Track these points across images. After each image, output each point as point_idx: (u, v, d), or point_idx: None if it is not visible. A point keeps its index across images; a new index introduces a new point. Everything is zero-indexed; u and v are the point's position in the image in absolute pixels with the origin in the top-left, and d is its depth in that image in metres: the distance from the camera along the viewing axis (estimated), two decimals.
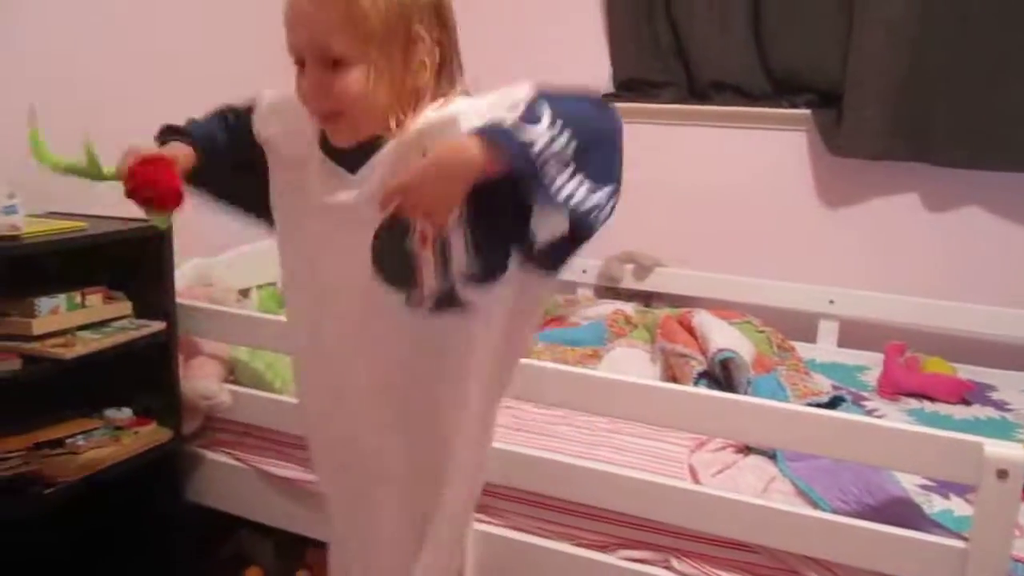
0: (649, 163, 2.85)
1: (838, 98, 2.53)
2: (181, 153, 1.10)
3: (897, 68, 2.44)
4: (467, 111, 1.05)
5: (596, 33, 2.89)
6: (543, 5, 2.96)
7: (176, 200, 1.07)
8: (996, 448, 1.29)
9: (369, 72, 1.00)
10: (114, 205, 1.98)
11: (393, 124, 1.05)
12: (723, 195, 2.78)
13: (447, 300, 1.06)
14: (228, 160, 1.19)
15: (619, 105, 2.85)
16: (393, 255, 1.04)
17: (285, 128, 1.14)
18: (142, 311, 1.85)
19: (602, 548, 1.61)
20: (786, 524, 1.44)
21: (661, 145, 2.84)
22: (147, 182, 1.04)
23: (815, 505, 1.53)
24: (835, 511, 1.50)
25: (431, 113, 1.07)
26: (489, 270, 1.05)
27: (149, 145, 1.12)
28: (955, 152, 2.41)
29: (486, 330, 1.11)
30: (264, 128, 1.17)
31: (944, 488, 1.62)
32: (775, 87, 2.70)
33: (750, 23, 2.68)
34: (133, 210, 1.90)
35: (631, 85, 2.87)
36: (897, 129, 2.46)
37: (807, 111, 2.61)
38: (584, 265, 2.87)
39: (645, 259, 2.80)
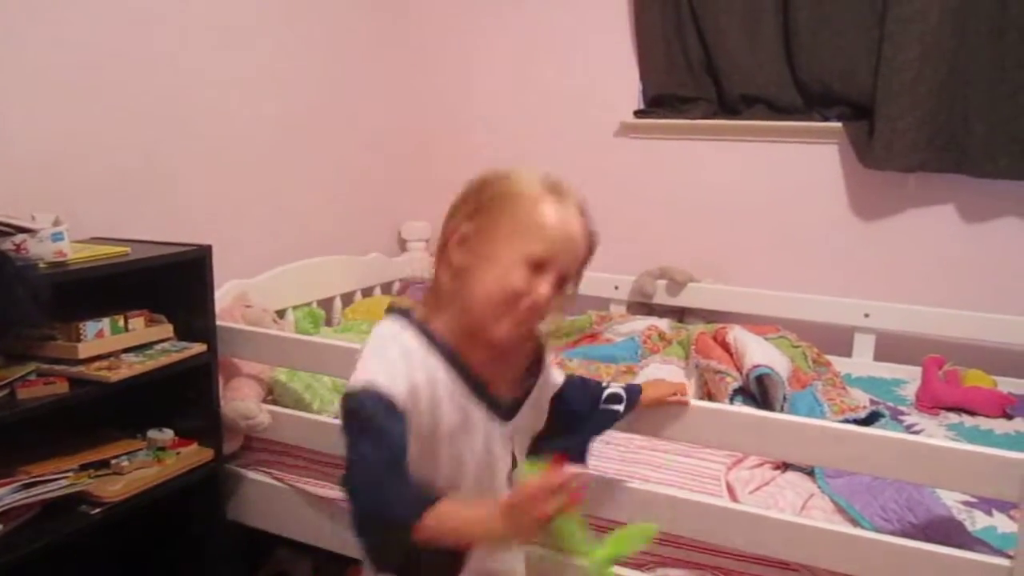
0: (681, 178, 2.87)
1: (870, 110, 2.52)
2: None
3: (931, 79, 2.42)
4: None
5: (626, 50, 2.90)
6: (573, 24, 2.98)
7: None
8: None
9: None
10: (154, 230, 2.05)
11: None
12: (756, 209, 2.77)
13: None
14: None
15: (650, 121, 2.88)
16: None
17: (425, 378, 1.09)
18: (183, 333, 1.88)
19: (640, 567, 1.60)
20: (826, 541, 1.43)
21: (693, 160, 2.85)
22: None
23: (855, 522, 1.52)
24: (876, 529, 1.48)
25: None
26: None
27: None
28: (992, 163, 2.39)
29: None
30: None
31: (987, 504, 1.60)
32: (806, 100, 2.69)
33: (780, 36, 2.68)
34: (173, 234, 1.97)
35: (662, 101, 2.87)
36: (932, 141, 2.44)
37: (839, 124, 2.60)
38: (617, 281, 2.87)
39: (678, 274, 2.80)
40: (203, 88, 2.30)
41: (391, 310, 1.14)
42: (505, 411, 1.17)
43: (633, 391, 1.46)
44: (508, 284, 1.06)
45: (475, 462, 1.14)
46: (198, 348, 1.85)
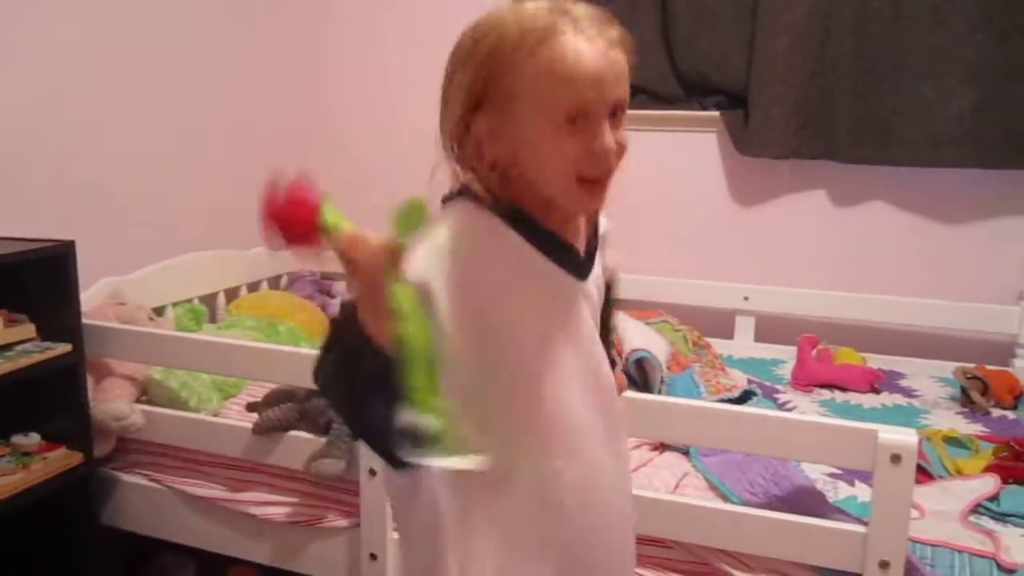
0: None
1: (744, 100, 2.60)
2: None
3: (800, 69, 2.52)
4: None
5: None
6: (462, 16, 2.96)
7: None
8: (889, 434, 1.33)
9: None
10: (12, 225, 1.95)
11: None
12: (638, 197, 2.81)
13: None
14: None
15: None
16: None
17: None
18: (48, 333, 1.81)
19: None
20: (696, 518, 1.47)
21: None
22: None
23: (726, 498, 1.57)
24: (744, 503, 1.54)
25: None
26: None
27: None
28: (857, 149, 2.51)
29: None
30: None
31: (850, 476, 1.67)
32: (685, 90, 2.75)
33: (659, 27, 2.74)
34: (33, 230, 1.88)
35: None
36: (802, 128, 2.54)
37: (716, 113, 2.68)
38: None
39: None
40: (67, 73, 2.19)
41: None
42: (581, 265, 1.02)
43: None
44: (558, 157, 0.92)
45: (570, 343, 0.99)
46: (63, 348, 1.78)
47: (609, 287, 1.13)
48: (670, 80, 2.75)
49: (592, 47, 0.92)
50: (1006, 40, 2.33)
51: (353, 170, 3.19)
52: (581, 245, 1.02)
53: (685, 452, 1.74)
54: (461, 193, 0.97)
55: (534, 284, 0.97)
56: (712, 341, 2.47)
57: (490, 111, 0.94)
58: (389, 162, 3.14)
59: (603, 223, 1.10)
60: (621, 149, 0.94)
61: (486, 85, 0.94)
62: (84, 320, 1.86)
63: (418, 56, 3.05)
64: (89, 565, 1.93)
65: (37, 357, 1.73)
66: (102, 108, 2.31)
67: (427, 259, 0.89)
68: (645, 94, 2.77)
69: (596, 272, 1.05)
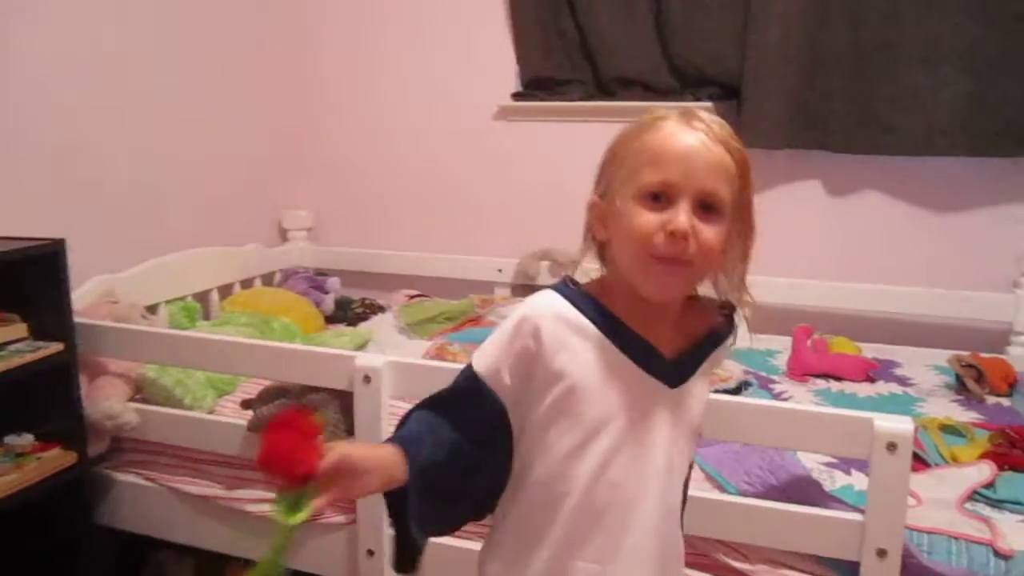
0: (561, 161, 2.89)
1: (738, 91, 2.60)
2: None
3: (794, 60, 2.51)
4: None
5: (502, 32, 2.91)
6: (448, 6, 2.96)
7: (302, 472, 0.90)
8: (885, 423, 1.33)
9: (723, 232, 0.97)
10: (2, 223, 1.94)
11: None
12: None
13: None
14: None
15: (528, 104, 2.89)
16: None
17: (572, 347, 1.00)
18: (40, 333, 1.80)
19: None
20: (693, 509, 1.46)
21: (572, 142, 2.86)
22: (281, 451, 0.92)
23: (723, 489, 1.57)
24: (741, 493, 1.53)
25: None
26: None
27: None
28: (851, 139, 2.50)
29: None
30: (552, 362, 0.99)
31: (846, 464, 1.67)
32: (680, 81, 2.75)
33: (653, 18, 2.73)
34: (23, 228, 1.87)
35: (538, 84, 2.89)
36: (795, 119, 2.54)
37: (710, 104, 2.66)
38: (500, 264, 2.88)
39: (560, 256, 2.82)
40: (57, 69, 2.18)
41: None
42: (669, 370, 1.02)
43: None
44: (634, 230, 0.95)
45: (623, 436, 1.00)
46: (55, 347, 1.77)
47: None
48: (664, 72, 2.75)
49: (691, 133, 0.96)
50: (999, 28, 2.32)
51: (345, 167, 3.19)
52: (669, 349, 1.02)
53: None
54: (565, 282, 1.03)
55: (600, 374, 0.99)
56: None
57: (604, 195, 1.01)
58: (382, 158, 3.14)
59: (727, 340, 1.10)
60: (703, 245, 0.94)
61: (603, 172, 1.02)
62: (76, 319, 1.85)
63: (411, 52, 3.06)
64: (85, 565, 1.92)
65: (29, 357, 1.72)
66: (94, 105, 2.30)
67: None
68: (640, 86, 2.76)
69: (696, 385, 1.06)
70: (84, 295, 2.12)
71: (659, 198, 0.94)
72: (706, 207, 0.95)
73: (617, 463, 0.99)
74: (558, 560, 1.01)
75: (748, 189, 1.00)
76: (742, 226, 1.01)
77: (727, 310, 1.09)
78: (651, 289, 0.98)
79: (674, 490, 1.07)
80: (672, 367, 1.02)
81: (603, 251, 1.03)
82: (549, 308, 1.00)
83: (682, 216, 0.93)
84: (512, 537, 1.06)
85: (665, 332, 1.02)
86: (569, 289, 1.02)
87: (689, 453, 1.10)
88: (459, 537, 1.64)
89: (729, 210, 0.97)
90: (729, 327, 1.10)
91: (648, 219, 0.94)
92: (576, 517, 1.00)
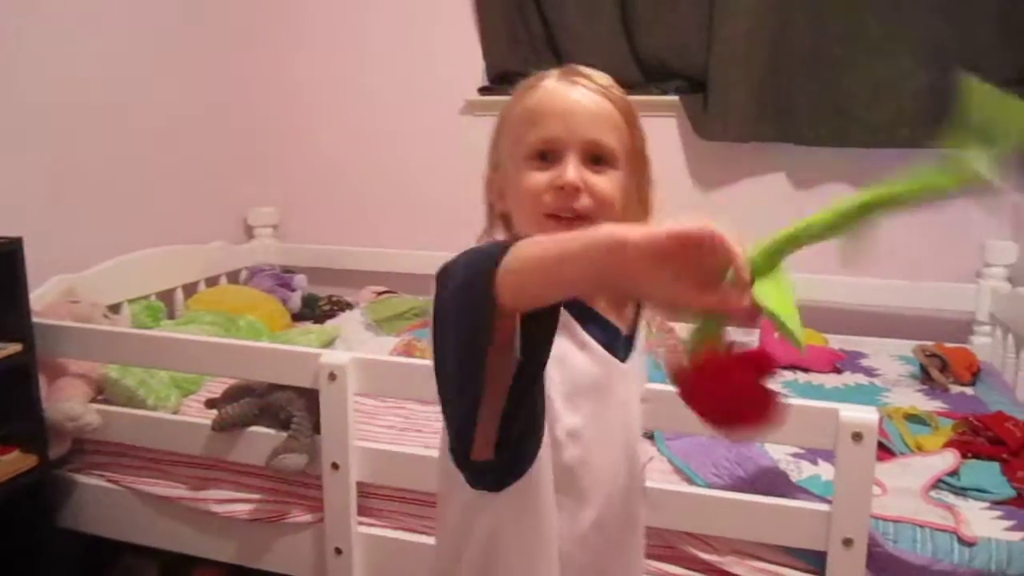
0: None
1: (704, 84, 2.60)
2: None
3: (758, 53, 2.52)
4: None
5: (467, 26, 2.89)
6: (413, 0, 2.94)
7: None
8: (850, 413, 1.35)
9: (617, 181, 0.94)
10: None
11: None
12: None
13: None
14: None
15: (495, 98, 2.87)
16: None
17: None
18: None
19: None
20: (661, 502, 1.47)
21: None
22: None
23: (691, 481, 1.57)
24: (710, 485, 1.54)
25: None
26: None
27: None
28: (814, 132, 2.52)
29: None
30: None
31: (813, 455, 1.68)
32: (645, 75, 2.75)
33: (619, 12, 2.72)
34: None
35: (505, 78, 2.87)
36: (761, 112, 2.54)
37: (676, 98, 2.67)
38: None
39: None
40: (15, 62, 2.14)
41: None
42: (624, 344, 0.97)
43: None
44: (525, 191, 0.92)
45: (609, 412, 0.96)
46: (13, 348, 1.74)
47: None
48: (630, 65, 2.74)
49: (570, 87, 0.94)
50: (960, 21, 2.34)
51: (311, 164, 3.16)
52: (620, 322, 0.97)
53: (650, 436, 1.74)
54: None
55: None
56: (674, 325, 2.47)
57: (498, 167, 0.99)
58: (348, 154, 3.11)
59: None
60: (597, 196, 0.92)
61: (494, 144, 1.00)
62: (35, 319, 1.81)
63: (377, 48, 3.03)
64: (48, 569, 1.89)
65: None
66: (52, 99, 2.25)
67: None
68: None
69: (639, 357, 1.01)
70: (43, 295, 2.08)
71: (546, 156, 0.92)
72: (595, 159, 0.93)
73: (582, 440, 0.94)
74: None
75: (638, 136, 0.98)
76: (639, 176, 0.99)
77: None
78: None
79: (638, 464, 1.05)
80: (625, 341, 0.97)
81: (508, 224, 1.00)
82: None
83: (570, 169, 0.91)
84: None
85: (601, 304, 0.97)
86: None
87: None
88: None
89: (621, 159, 0.95)
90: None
91: (537, 178, 0.92)
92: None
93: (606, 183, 0.92)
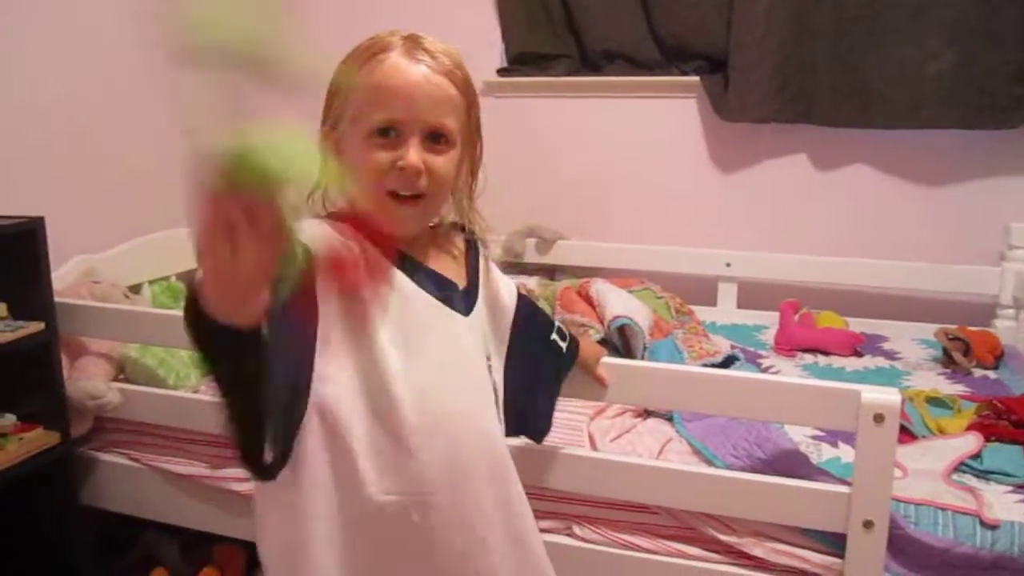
0: (546, 137, 2.87)
1: (724, 64, 2.57)
2: None
3: (779, 32, 2.49)
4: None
5: (487, 8, 2.87)
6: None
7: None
8: (872, 394, 1.33)
9: (454, 160, 1.02)
10: None
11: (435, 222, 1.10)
12: (620, 165, 2.80)
13: None
14: None
15: (514, 79, 2.86)
16: None
17: None
18: (20, 312, 1.78)
19: None
20: (679, 483, 1.47)
21: (557, 118, 2.85)
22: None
23: (709, 463, 1.56)
24: (728, 467, 1.53)
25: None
26: None
27: None
28: (836, 112, 2.49)
29: None
30: None
31: (833, 437, 1.68)
32: (665, 55, 2.72)
33: None
34: (0, 206, 1.84)
35: (524, 59, 2.86)
36: (782, 92, 2.52)
37: (696, 78, 2.65)
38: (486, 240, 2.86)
39: (547, 232, 2.81)
40: (35, 43, 2.14)
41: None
42: (462, 298, 1.07)
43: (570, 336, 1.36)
44: (367, 169, 0.97)
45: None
46: (35, 327, 1.75)
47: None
48: (649, 45, 2.72)
49: (414, 67, 0.98)
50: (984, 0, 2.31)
51: None
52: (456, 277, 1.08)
53: (668, 418, 1.74)
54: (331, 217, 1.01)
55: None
56: (695, 308, 2.46)
57: (335, 127, 1.00)
58: None
59: (482, 252, 1.15)
60: (435, 176, 0.98)
61: (329, 106, 1.01)
62: (57, 298, 1.83)
63: (396, 28, 3.02)
64: (70, 546, 1.91)
65: (9, 336, 1.70)
66: (73, 79, 2.26)
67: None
68: (624, 60, 2.74)
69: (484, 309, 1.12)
70: (65, 275, 2.10)
71: (388, 134, 0.97)
72: (435, 138, 0.99)
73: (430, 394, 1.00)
74: None
75: (475, 114, 1.05)
76: (470, 146, 1.06)
77: (466, 232, 1.14)
78: (391, 225, 1.00)
79: (494, 412, 1.10)
80: (464, 295, 1.07)
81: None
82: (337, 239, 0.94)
83: (412, 153, 0.96)
84: None
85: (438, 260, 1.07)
86: (342, 224, 0.97)
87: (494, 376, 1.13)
88: None
89: (458, 137, 1.01)
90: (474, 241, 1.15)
91: (380, 157, 0.97)
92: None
93: (443, 163, 0.99)
